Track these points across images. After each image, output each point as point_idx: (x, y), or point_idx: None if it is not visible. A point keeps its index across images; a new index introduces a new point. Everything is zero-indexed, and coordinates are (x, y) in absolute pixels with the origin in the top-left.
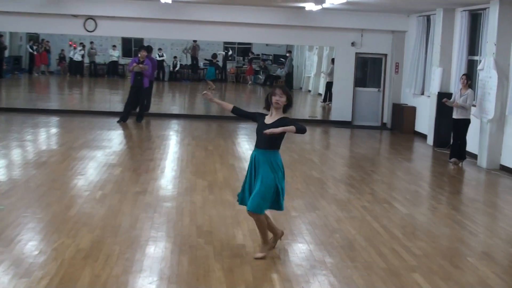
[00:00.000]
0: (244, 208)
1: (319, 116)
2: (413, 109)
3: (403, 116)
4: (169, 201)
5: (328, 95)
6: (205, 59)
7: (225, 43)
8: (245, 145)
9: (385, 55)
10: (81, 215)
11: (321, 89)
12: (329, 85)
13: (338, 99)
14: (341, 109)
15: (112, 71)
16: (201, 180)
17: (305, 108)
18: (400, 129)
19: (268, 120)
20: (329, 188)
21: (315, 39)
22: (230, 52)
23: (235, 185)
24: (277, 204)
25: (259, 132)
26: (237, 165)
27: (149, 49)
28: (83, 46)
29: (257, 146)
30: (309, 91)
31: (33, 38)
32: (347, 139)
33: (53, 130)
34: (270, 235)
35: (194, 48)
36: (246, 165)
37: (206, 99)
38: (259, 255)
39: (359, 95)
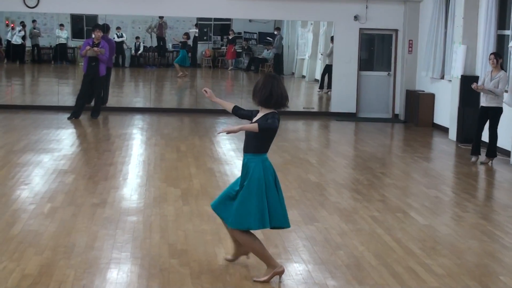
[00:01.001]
0: None
1: (316, 108)
2: (431, 97)
3: (419, 106)
4: (134, 215)
5: (329, 81)
6: (180, 42)
7: (199, 19)
8: (225, 144)
9: (396, 30)
10: (26, 233)
11: (318, 74)
12: (328, 69)
13: (339, 86)
14: (343, 98)
15: (60, 56)
16: (172, 188)
17: (298, 98)
18: (415, 122)
19: (256, 117)
20: (330, 195)
21: (309, 13)
22: (197, 31)
23: (214, 193)
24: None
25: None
26: (217, 169)
27: (105, 28)
28: (23, 26)
29: (243, 150)
30: (303, 76)
31: None
32: (351, 135)
33: None
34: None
35: (160, 26)
36: (227, 168)
37: (206, 96)
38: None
39: (365, 81)
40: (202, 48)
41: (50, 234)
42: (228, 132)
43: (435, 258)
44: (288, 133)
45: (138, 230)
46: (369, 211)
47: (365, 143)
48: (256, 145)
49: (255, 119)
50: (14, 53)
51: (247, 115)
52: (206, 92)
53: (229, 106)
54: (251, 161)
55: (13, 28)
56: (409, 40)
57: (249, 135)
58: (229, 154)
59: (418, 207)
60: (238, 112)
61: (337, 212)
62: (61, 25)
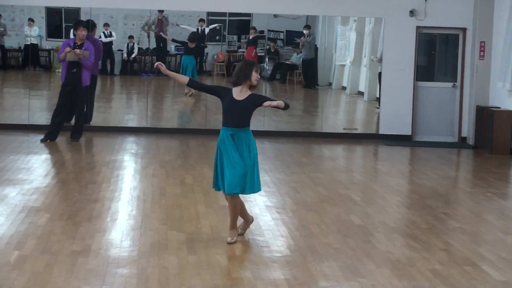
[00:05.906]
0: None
1: (360, 129)
2: (509, 115)
3: (493, 127)
4: (125, 266)
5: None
6: (176, 41)
7: (209, 14)
8: None
9: (464, 30)
10: None
11: (362, 86)
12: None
13: (390, 101)
14: (395, 116)
15: (31, 60)
16: (175, 232)
17: (337, 116)
18: (489, 147)
19: (238, 96)
20: (378, 242)
21: (352, 7)
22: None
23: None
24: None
25: (228, 109)
26: None
27: (90, 25)
28: None
29: (228, 125)
30: (344, 88)
31: None
32: (405, 164)
33: None
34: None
35: (160, 23)
36: (248, 206)
37: (162, 70)
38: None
39: (424, 94)
40: (214, 50)
41: None
42: (269, 106)
43: None
44: (323, 161)
45: (131, 286)
46: (429, 263)
47: (423, 175)
48: (248, 120)
49: (242, 97)
50: None
51: (211, 89)
52: (161, 65)
53: (184, 80)
54: (248, 134)
55: None
56: (481, 42)
57: (245, 112)
58: None
59: (493, 259)
60: (195, 85)
61: (388, 264)
62: (31, 20)
